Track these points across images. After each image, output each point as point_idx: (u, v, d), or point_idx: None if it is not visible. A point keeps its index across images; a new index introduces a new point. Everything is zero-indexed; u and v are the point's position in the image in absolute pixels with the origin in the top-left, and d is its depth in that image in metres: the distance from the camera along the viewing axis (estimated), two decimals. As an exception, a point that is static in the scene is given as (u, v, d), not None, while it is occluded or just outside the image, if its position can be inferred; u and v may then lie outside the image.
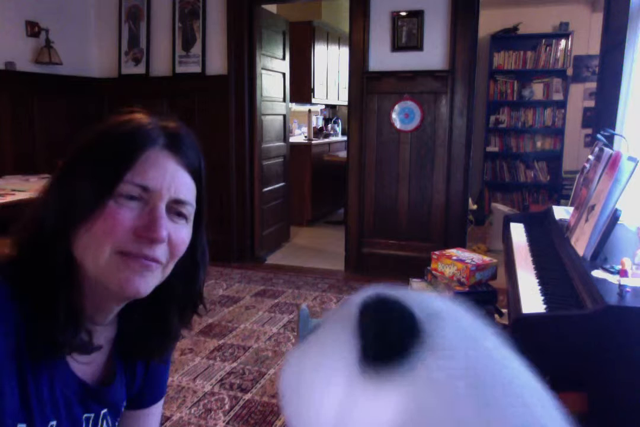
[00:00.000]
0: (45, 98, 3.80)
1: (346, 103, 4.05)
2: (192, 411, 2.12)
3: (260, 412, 2.11)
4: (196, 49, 4.01)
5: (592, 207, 1.52)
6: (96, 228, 0.64)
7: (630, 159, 1.42)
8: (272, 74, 4.38)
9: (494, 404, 0.35)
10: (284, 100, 4.67)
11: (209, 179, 0.75)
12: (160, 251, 0.67)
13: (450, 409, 0.35)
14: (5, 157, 3.54)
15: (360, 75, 3.73)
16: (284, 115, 4.69)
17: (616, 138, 2.30)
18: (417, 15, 3.57)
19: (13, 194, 2.74)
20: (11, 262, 0.66)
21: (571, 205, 2.09)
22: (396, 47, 3.64)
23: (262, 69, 4.14)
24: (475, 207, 5.39)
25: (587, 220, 1.54)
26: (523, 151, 5.92)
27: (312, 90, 5.79)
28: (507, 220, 2.37)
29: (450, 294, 2.08)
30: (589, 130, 5.47)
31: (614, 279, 1.30)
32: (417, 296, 0.41)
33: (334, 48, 6.36)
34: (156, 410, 0.90)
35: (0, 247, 0.68)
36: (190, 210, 0.71)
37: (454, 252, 2.26)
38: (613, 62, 2.81)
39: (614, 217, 1.42)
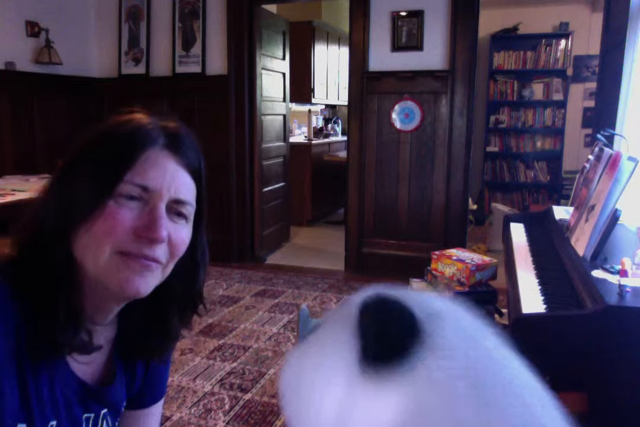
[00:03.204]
0: (45, 98, 3.80)
1: (346, 103, 4.05)
2: (192, 411, 2.12)
3: (260, 412, 2.11)
4: (196, 49, 4.01)
5: (592, 207, 1.52)
6: (96, 228, 0.64)
7: (630, 159, 1.42)
8: (272, 74, 4.38)
9: (494, 404, 0.35)
10: (284, 100, 4.67)
11: (209, 179, 0.75)
12: (160, 251, 0.67)
13: (450, 409, 0.35)
14: (5, 157, 3.54)
15: (360, 75, 3.72)
16: (284, 115, 4.69)
17: (616, 138, 2.30)
18: (417, 15, 3.57)
19: (13, 194, 2.74)
20: (11, 262, 0.66)
21: (571, 205, 2.09)
22: (396, 47, 3.64)
23: (262, 69, 4.14)
24: (475, 207, 5.39)
25: (587, 220, 1.54)
26: (523, 151, 5.92)
27: (312, 90, 5.79)
28: (507, 220, 2.37)
29: (450, 294, 2.08)
30: (589, 130, 5.47)
31: (614, 279, 1.30)
32: (417, 296, 0.41)
33: (334, 48, 6.36)
34: (156, 410, 0.90)
35: (0, 247, 0.68)
36: (190, 210, 0.71)
37: (454, 252, 2.26)
38: (613, 62, 2.81)
39: (614, 217, 1.42)
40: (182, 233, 0.70)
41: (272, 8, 4.93)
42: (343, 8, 5.63)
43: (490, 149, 5.97)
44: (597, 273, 1.35)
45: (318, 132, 6.30)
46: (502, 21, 5.74)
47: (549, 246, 1.87)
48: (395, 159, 3.74)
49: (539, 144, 5.90)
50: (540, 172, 5.90)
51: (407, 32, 3.60)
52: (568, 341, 1.20)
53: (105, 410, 0.75)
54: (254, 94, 4.04)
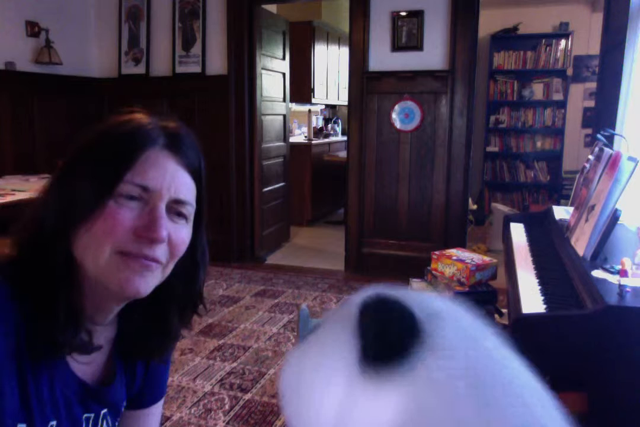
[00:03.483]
0: (45, 98, 3.80)
1: (346, 103, 4.05)
2: (192, 411, 2.12)
3: (260, 412, 2.11)
4: (196, 49, 4.01)
5: (592, 207, 1.52)
6: (96, 228, 0.64)
7: (630, 159, 1.42)
8: (272, 74, 4.38)
9: (494, 404, 0.35)
10: (284, 100, 4.67)
11: (209, 179, 0.75)
12: (160, 251, 0.67)
13: (450, 409, 0.35)
14: (5, 157, 3.54)
15: (360, 75, 3.72)
16: (284, 115, 4.69)
17: (616, 138, 2.30)
18: (417, 15, 3.57)
19: (13, 194, 2.74)
20: (11, 262, 0.66)
21: (571, 205, 2.09)
22: (396, 47, 3.64)
23: (262, 69, 4.14)
24: (475, 207, 5.39)
25: (587, 220, 1.54)
26: (523, 151, 5.92)
27: (312, 90, 5.79)
28: (507, 220, 2.37)
29: (450, 294, 2.08)
30: (589, 130, 5.47)
31: (614, 279, 1.30)
32: (417, 296, 0.41)
33: (334, 48, 6.36)
34: (156, 410, 0.90)
35: (0, 247, 0.68)
36: (190, 210, 0.71)
37: (454, 252, 2.26)
38: (613, 62, 2.81)
39: (614, 217, 1.42)
40: (182, 233, 0.70)
41: (272, 8, 4.93)
42: (343, 8, 5.63)
43: (490, 149, 5.97)
44: (597, 273, 1.35)
45: (318, 132, 6.30)
46: (502, 21, 5.74)
47: (549, 246, 1.87)
48: (395, 159, 3.74)
49: (539, 144, 5.90)
50: (540, 172, 5.90)
51: (407, 32, 3.60)
52: (568, 341, 1.20)
53: (105, 410, 0.75)
54: (254, 94, 4.04)
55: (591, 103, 5.09)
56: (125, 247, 0.65)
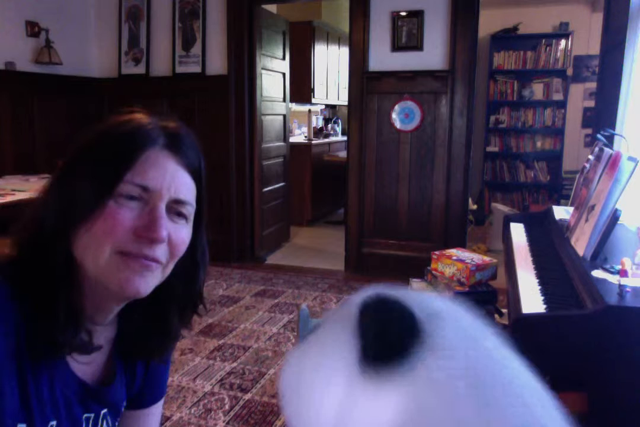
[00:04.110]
0: (45, 98, 3.80)
1: (346, 103, 4.05)
2: (192, 411, 2.12)
3: (260, 412, 2.11)
4: (196, 49, 4.01)
5: (592, 207, 1.52)
6: (96, 228, 0.64)
7: (630, 159, 1.42)
8: (272, 74, 4.38)
9: (494, 404, 0.35)
10: (284, 100, 4.67)
11: (209, 179, 0.75)
12: (160, 251, 0.67)
13: (450, 409, 0.35)
14: (5, 157, 3.54)
15: (360, 75, 3.73)
16: (284, 115, 4.69)
17: (616, 138, 2.30)
18: (417, 15, 3.57)
19: (13, 194, 2.74)
20: (11, 262, 0.66)
21: (571, 205, 2.09)
22: (396, 47, 3.64)
23: (262, 69, 4.14)
24: (475, 207, 5.39)
25: (587, 220, 1.54)
26: (523, 151, 5.92)
27: (312, 90, 5.79)
28: (507, 220, 2.37)
29: (450, 294, 2.08)
30: (589, 130, 5.47)
31: (614, 279, 1.30)
32: (417, 296, 0.41)
33: (334, 48, 6.36)
34: (156, 410, 0.90)
35: (0, 247, 0.68)
36: (190, 210, 0.71)
37: (454, 252, 2.26)
38: (613, 62, 2.81)
39: (614, 217, 1.42)
40: (182, 233, 0.70)
41: (272, 8, 4.93)
42: (343, 8, 5.63)
43: (490, 149, 5.97)
44: (597, 273, 1.35)
45: (318, 132, 6.30)
46: (502, 21, 5.74)
47: (549, 246, 1.87)
48: (395, 159, 3.74)
49: (539, 144, 5.90)
50: (540, 172, 5.90)
51: (407, 32, 3.60)
52: (568, 341, 1.20)
53: (105, 410, 0.75)
54: (254, 94, 4.04)
55: (591, 103, 5.09)
56: (125, 247, 0.65)
